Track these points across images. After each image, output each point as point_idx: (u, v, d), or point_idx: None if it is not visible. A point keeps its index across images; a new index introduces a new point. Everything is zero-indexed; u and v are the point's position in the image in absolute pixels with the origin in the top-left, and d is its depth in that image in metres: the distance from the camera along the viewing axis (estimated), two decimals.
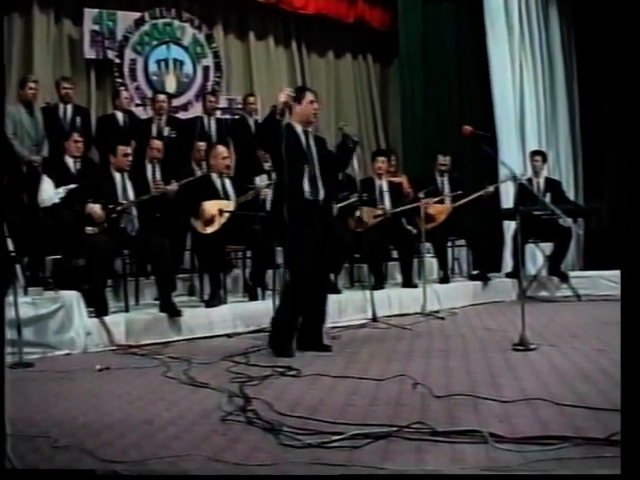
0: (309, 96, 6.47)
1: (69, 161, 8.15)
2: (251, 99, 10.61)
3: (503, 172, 10.25)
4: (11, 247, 6.05)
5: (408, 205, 9.46)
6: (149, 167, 8.66)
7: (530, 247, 10.35)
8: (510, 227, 10.62)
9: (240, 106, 11.06)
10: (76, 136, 8.24)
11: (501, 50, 11.61)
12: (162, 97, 9.98)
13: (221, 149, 8.28)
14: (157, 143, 8.87)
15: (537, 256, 10.67)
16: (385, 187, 9.62)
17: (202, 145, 9.17)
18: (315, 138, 6.58)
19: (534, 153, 10.51)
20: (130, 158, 7.51)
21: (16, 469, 3.25)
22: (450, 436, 3.63)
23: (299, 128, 6.42)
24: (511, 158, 10.45)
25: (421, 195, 9.09)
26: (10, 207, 6.52)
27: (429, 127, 12.09)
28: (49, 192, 7.71)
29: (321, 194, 6.34)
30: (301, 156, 6.30)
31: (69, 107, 9.30)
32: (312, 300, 6.42)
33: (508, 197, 10.61)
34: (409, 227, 9.88)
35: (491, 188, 9.75)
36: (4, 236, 6.08)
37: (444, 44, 12.34)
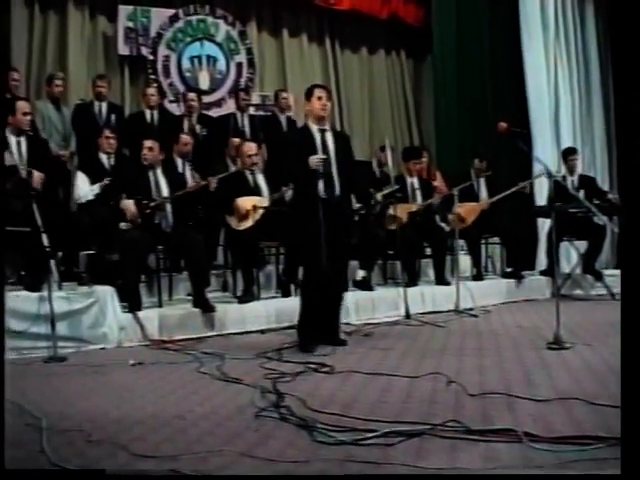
0: (316, 92, 6.47)
1: (103, 157, 8.16)
2: (283, 94, 10.59)
3: (537, 169, 10.19)
4: (46, 242, 6.09)
5: (441, 199, 9.46)
6: (179, 162, 8.65)
7: (564, 245, 10.28)
8: (544, 225, 10.56)
9: (272, 102, 11.04)
10: (107, 132, 8.24)
11: (536, 47, 11.54)
12: (192, 95, 10.02)
13: (248, 146, 8.27)
14: (185, 138, 8.84)
15: (571, 254, 10.60)
16: (416, 184, 9.57)
17: (236, 142, 9.14)
18: (335, 135, 6.58)
19: (569, 151, 10.36)
20: (151, 152, 7.52)
21: (21, 469, 3.26)
22: (484, 435, 3.61)
23: (314, 127, 6.44)
24: (545, 155, 10.38)
25: (455, 192, 9.02)
26: (44, 203, 6.54)
27: (463, 123, 12.02)
28: (84, 189, 7.75)
29: (336, 191, 6.35)
30: (313, 154, 6.28)
31: (104, 104, 9.36)
32: (327, 297, 6.43)
33: (542, 194, 10.54)
34: (442, 224, 9.83)
35: (524, 184, 9.67)
36: (39, 231, 6.13)
37: (478, 40, 12.25)
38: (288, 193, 7.41)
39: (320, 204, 6.16)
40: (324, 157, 6.25)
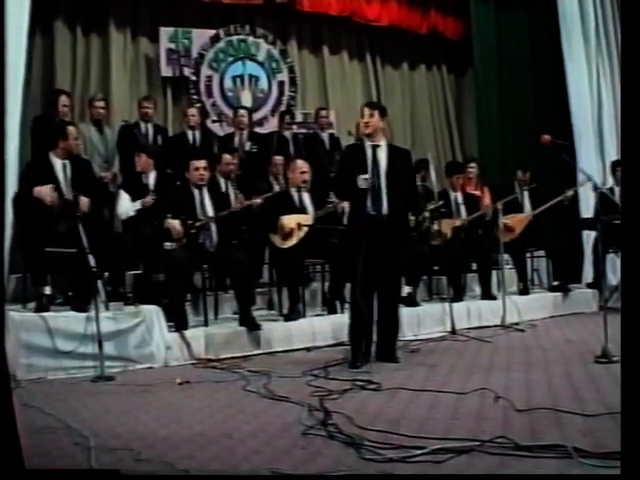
0: (361, 111, 6.59)
1: (144, 177, 8.16)
2: (323, 113, 10.61)
3: (581, 180, 10.10)
4: (92, 263, 6.15)
5: (483, 214, 9.35)
6: (222, 182, 8.64)
7: (611, 257, 10.16)
8: (589, 237, 10.45)
9: (313, 120, 11.04)
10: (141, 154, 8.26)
11: (577, 58, 11.45)
12: (242, 112, 10.04)
13: (300, 163, 8.29)
14: (227, 157, 8.77)
15: (618, 266, 10.47)
16: (460, 199, 9.51)
17: (279, 159, 9.16)
18: (390, 151, 6.57)
19: (617, 163, 10.24)
20: (202, 172, 7.52)
21: (37, 469, 3.27)
22: (533, 451, 3.58)
23: (367, 143, 6.49)
24: (590, 167, 10.28)
25: (499, 206, 8.96)
26: (90, 224, 6.61)
27: (505, 137, 11.96)
28: (125, 206, 7.84)
29: (384, 209, 6.35)
30: (362, 171, 6.33)
31: (150, 126, 9.43)
32: (380, 313, 6.49)
33: (587, 207, 10.45)
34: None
35: (570, 192, 9.58)
36: (85, 252, 6.19)
37: (519, 53, 12.19)
38: (341, 207, 7.47)
39: (367, 221, 6.22)
40: (368, 176, 6.28)
